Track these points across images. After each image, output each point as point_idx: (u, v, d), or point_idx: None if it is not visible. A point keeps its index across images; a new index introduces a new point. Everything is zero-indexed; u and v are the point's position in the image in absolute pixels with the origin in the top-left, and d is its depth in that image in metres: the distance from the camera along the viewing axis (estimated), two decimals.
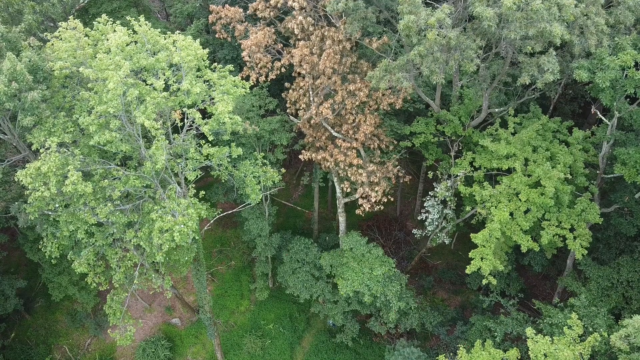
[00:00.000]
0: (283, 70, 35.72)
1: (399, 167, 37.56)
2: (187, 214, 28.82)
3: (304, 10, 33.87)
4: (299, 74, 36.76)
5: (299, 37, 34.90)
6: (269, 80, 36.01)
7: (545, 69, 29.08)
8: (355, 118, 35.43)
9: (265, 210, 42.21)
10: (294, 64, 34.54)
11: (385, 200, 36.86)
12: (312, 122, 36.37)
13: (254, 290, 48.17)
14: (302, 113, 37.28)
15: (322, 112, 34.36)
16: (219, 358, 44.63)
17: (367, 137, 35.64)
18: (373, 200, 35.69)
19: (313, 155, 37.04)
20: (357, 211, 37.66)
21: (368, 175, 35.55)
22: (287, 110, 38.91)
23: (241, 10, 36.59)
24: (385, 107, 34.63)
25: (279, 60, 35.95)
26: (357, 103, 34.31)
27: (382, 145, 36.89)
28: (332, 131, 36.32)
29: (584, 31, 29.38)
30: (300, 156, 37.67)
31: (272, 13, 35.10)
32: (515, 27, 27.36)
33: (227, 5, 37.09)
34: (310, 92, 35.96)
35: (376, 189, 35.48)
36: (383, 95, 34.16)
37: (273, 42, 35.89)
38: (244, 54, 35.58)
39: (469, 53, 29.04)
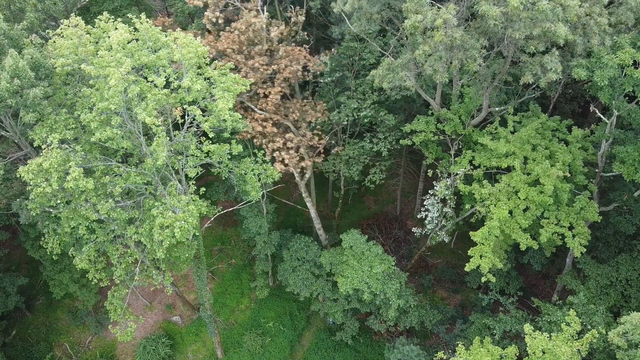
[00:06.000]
0: None
1: (321, 139, 39.47)
2: (187, 210, 28.95)
3: (214, 5, 36.73)
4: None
5: (230, 30, 37.11)
6: None
7: (549, 68, 29.19)
8: (265, 92, 37.27)
9: (263, 207, 42.34)
10: None
11: (304, 165, 38.78)
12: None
13: (254, 288, 48.27)
14: None
15: None
16: (219, 356, 44.82)
17: (277, 107, 37.87)
18: (286, 162, 37.57)
19: (244, 134, 38.51)
20: (270, 172, 38.87)
21: (284, 142, 37.64)
22: None
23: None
24: (288, 75, 36.14)
25: None
26: (259, 76, 36.12)
27: (310, 119, 38.57)
28: (251, 106, 37.88)
29: (587, 31, 29.48)
30: (237, 136, 38.93)
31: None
32: (520, 27, 27.44)
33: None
34: None
35: (290, 152, 37.51)
36: (285, 67, 36.15)
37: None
38: None
39: (473, 52, 29.15)
